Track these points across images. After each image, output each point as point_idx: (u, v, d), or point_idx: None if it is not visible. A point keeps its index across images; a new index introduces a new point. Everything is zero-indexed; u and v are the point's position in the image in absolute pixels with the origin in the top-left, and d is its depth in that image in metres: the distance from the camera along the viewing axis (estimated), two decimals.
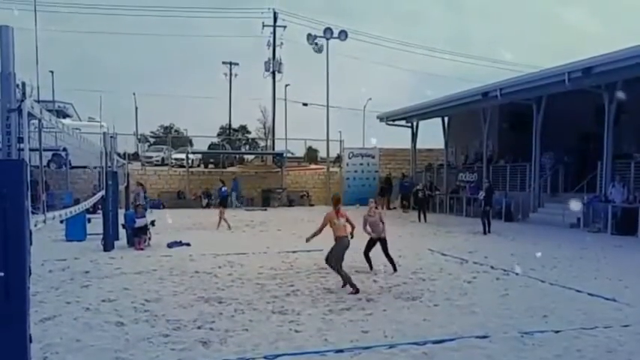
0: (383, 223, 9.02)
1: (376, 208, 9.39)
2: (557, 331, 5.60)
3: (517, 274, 8.90)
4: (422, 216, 18.74)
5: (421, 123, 27.15)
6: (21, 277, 3.66)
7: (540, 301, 6.98)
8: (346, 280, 7.64)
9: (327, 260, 7.92)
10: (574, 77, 15.20)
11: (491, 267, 9.55)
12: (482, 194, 15.78)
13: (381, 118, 28.59)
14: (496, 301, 7.03)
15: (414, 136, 27.62)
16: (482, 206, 15.53)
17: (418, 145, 28.37)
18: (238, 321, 6.09)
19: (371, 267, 9.14)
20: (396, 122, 27.95)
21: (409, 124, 27.64)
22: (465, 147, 25.48)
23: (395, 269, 9.03)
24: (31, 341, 3.80)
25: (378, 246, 9.06)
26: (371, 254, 9.16)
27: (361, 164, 28.91)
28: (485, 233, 14.78)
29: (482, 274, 9.06)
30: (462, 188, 22.82)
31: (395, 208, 25.74)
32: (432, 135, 28.57)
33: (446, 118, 25.17)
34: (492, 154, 22.43)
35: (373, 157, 29.32)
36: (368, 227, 8.95)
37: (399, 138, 31.53)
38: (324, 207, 25.00)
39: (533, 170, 18.97)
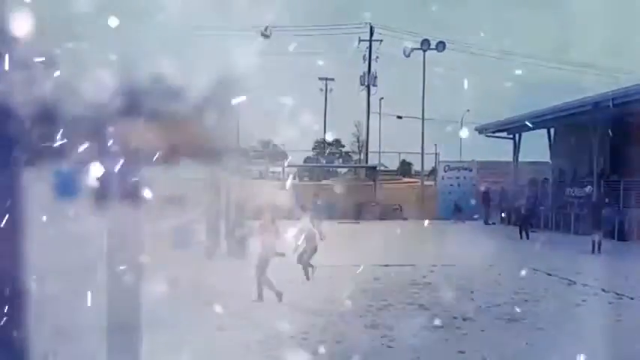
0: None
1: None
2: None
3: (632, 298, 8.13)
4: (524, 233, 17.74)
5: (524, 135, 25.84)
6: None
7: None
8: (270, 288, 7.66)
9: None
10: None
11: (603, 290, 8.80)
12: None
13: (479, 130, 27.61)
14: (607, 327, 6.47)
15: (517, 148, 26.30)
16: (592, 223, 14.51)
17: (520, 158, 26.93)
18: (331, 332, 6.15)
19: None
20: (496, 134, 26.84)
21: (511, 136, 26.43)
22: (573, 160, 23.82)
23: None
24: None
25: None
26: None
27: (457, 177, 28.04)
28: (593, 252, 13.72)
29: (592, 297, 8.39)
30: (571, 204, 21.29)
31: (494, 223, 24.60)
32: (534, 148, 27.03)
33: (552, 130, 23.76)
34: (604, 168, 20.75)
35: (470, 171, 28.33)
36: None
37: (499, 151, 30.23)
38: (418, 221, 24.58)
39: None
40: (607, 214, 18.13)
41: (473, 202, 26.46)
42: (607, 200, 18.05)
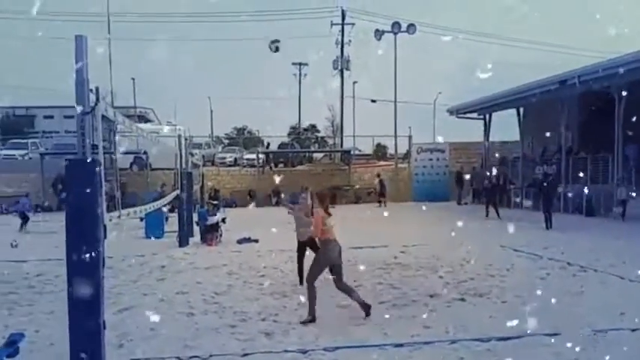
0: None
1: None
2: (633, 330, 5.25)
3: (595, 270, 8.40)
4: (494, 211, 17.92)
5: (494, 115, 26.16)
6: (95, 266, 3.94)
7: (618, 298, 6.55)
8: (311, 301, 6.04)
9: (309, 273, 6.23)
10: None
11: (568, 263, 9.06)
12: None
13: (451, 112, 27.85)
14: (570, 299, 6.68)
15: (487, 128, 26.64)
16: (542, 199, 15.07)
17: (491, 138, 27.32)
18: (301, 314, 6.21)
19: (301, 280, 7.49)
20: (467, 115, 27.11)
21: (481, 117, 26.73)
22: (542, 138, 24.25)
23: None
24: (105, 327, 4.07)
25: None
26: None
27: (430, 159, 28.28)
28: (547, 228, 14.25)
29: (558, 270, 8.64)
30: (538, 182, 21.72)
31: (466, 203, 24.97)
32: (506, 127, 27.37)
33: (521, 109, 24.10)
34: (572, 145, 21.19)
35: (443, 152, 28.61)
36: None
37: (471, 131, 30.46)
38: (392, 204, 24.84)
39: (616, 162, 17.73)
40: (574, 191, 18.61)
41: (446, 183, 26.91)
42: (559, 178, 18.89)
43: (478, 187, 23.66)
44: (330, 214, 6.15)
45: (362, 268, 9.03)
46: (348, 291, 6.15)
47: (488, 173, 20.56)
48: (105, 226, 4.47)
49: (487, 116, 26.40)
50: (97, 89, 4.71)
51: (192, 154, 16.77)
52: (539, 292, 7.05)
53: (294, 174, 28.23)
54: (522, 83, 21.26)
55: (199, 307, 6.71)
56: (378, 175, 26.30)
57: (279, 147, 34.34)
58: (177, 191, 13.05)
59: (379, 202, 24.89)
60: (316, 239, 6.42)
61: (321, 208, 6.20)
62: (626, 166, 17.60)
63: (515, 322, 5.57)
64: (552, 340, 5.06)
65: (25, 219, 15.84)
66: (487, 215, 17.73)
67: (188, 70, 74.06)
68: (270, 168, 29.46)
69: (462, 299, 6.81)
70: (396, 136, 30.70)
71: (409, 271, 8.74)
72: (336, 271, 6.05)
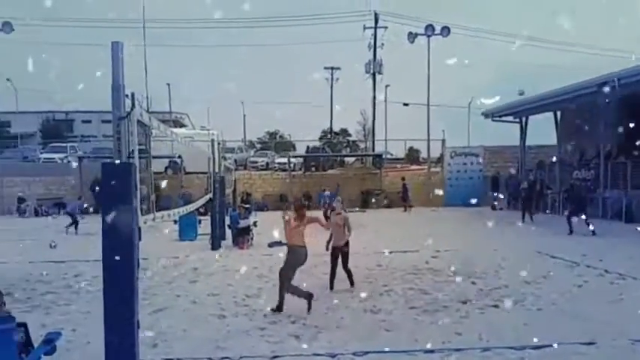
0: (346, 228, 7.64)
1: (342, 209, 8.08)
2: None
3: (635, 278, 8.11)
4: (527, 216, 17.55)
5: (531, 118, 25.58)
6: (130, 267, 4.03)
7: None
8: (298, 292, 6.54)
9: (280, 274, 6.74)
10: None
11: (606, 271, 8.78)
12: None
13: (486, 115, 27.34)
14: (607, 307, 6.48)
15: (523, 132, 26.08)
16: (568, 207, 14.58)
17: (527, 142, 26.69)
18: (331, 318, 6.22)
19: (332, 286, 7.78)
20: (503, 118, 26.58)
21: (517, 120, 26.19)
22: (580, 142, 23.59)
23: (352, 284, 7.80)
24: (139, 327, 4.17)
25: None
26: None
27: (464, 164, 27.87)
28: (571, 233, 13.86)
29: (595, 278, 8.38)
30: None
31: (501, 208, 24.50)
32: (543, 130, 26.66)
33: (558, 112, 23.50)
34: (611, 149, 20.52)
35: (477, 156, 28.15)
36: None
37: (506, 135, 29.71)
38: (423, 209, 24.60)
39: None
40: (613, 196, 18.04)
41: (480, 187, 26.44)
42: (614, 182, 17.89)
43: (514, 192, 23.20)
44: (299, 219, 6.60)
45: (392, 272, 9.03)
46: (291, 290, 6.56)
47: (524, 182, 20.12)
48: (140, 228, 4.59)
49: (523, 119, 25.84)
50: (132, 95, 4.84)
51: (225, 158, 16.99)
52: (575, 300, 6.89)
53: (326, 178, 28.28)
54: (559, 86, 20.73)
55: (230, 309, 6.80)
56: (403, 179, 26.18)
57: (310, 151, 34.42)
58: (210, 194, 13.24)
59: (404, 207, 24.83)
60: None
61: (286, 212, 6.74)
62: None
63: (550, 330, 5.46)
64: (588, 350, 4.91)
65: (74, 222, 16.18)
66: (523, 221, 17.38)
67: (222, 75, 75.16)
68: (304, 172, 29.60)
69: (496, 306, 6.68)
70: (429, 140, 30.36)
71: (441, 277, 8.63)
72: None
